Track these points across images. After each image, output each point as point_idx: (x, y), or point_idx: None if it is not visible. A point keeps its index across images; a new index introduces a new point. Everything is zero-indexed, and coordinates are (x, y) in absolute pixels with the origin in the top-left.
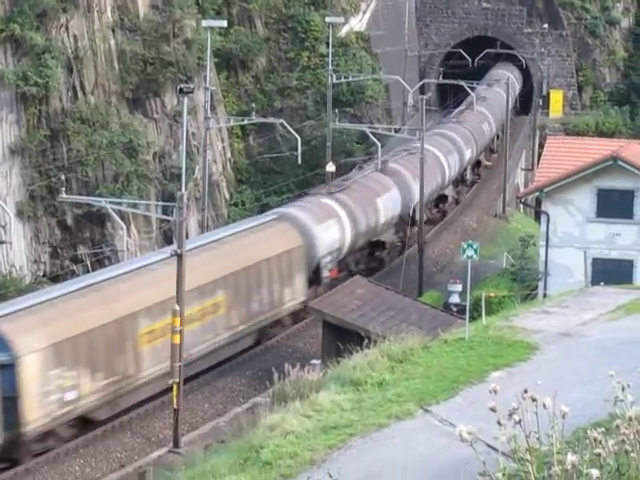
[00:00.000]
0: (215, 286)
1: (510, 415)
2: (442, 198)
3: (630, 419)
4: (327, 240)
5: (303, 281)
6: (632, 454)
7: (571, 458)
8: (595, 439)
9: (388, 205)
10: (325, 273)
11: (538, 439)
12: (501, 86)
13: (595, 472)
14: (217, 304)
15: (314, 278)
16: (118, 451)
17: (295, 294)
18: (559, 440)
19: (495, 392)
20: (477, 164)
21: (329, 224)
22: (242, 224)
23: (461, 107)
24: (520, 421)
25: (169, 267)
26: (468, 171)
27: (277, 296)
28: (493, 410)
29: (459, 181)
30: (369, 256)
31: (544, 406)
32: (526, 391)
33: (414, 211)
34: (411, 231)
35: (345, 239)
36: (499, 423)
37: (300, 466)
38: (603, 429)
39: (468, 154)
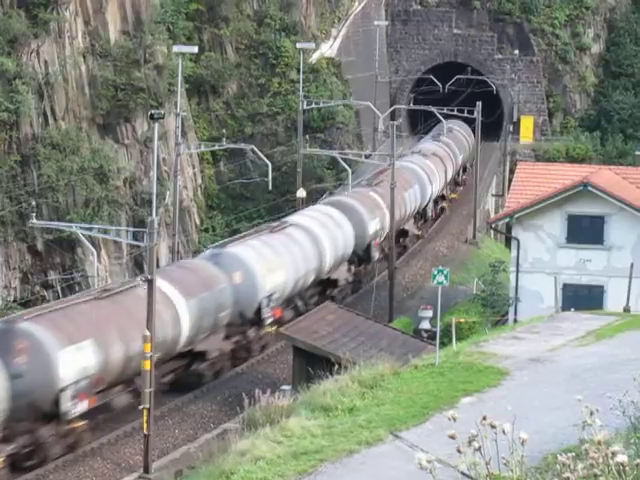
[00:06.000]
0: None
1: (469, 442)
2: (331, 283)
3: (599, 443)
4: (76, 367)
5: None
6: (601, 478)
7: None
8: (564, 464)
9: (208, 307)
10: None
11: (506, 464)
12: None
13: None
14: None
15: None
16: (88, 477)
17: None
18: (518, 466)
19: (454, 420)
20: (402, 234)
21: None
22: None
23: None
24: (480, 448)
25: None
26: (372, 249)
27: None
28: (452, 438)
29: (364, 260)
30: (187, 367)
31: (503, 432)
32: (485, 418)
33: (261, 307)
34: (258, 333)
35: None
36: (459, 451)
37: None
38: (573, 454)
39: (373, 227)
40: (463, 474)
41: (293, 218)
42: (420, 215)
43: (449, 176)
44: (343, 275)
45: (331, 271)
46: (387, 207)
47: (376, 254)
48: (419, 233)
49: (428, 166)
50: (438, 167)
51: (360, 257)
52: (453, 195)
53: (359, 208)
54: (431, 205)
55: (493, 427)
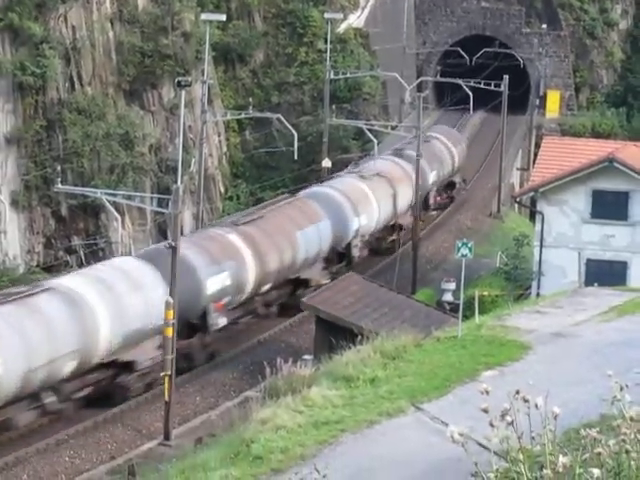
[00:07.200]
0: None
1: (502, 416)
2: (125, 366)
3: (631, 419)
4: None
5: None
6: (633, 454)
7: (562, 460)
8: (595, 439)
9: None
10: None
11: (533, 438)
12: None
13: (596, 471)
14: None
15: None
16: (108, 443)
17: None
18: (551, 441)
19: (487, 393)
20: (300, 284)
21: None
22: None
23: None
24: (513, 422)
25: None
26: (211, 316)
27: None
28: (485, 411)
29: (199, 329)
30: None
31: (536, 407)
32: (518, 392)
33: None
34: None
35: None
36: (491, 425)
37: (290, 461)
38: (598, 429)
39: (215, 284)
40: (480, 445)
41: (57, 281)
42: (339, 257)
43: (403, 202)
44: (148, 354)
45: (119, 351)
46: (254, 253)
47: (218, 320)
48: (327, 282)
49: (360, 192)
50: (380, 192)
51: (194, 326)
52: None
53: (190, 259)
54: (358, 243)
55: (526, 401)
